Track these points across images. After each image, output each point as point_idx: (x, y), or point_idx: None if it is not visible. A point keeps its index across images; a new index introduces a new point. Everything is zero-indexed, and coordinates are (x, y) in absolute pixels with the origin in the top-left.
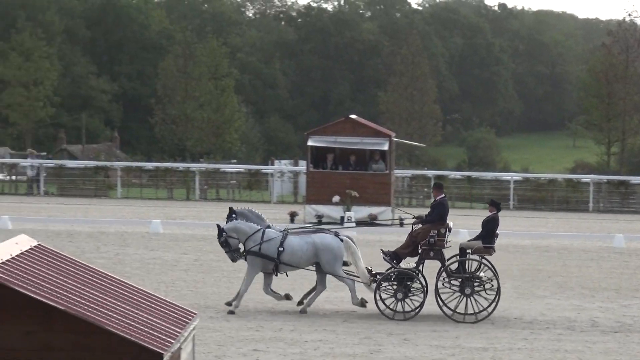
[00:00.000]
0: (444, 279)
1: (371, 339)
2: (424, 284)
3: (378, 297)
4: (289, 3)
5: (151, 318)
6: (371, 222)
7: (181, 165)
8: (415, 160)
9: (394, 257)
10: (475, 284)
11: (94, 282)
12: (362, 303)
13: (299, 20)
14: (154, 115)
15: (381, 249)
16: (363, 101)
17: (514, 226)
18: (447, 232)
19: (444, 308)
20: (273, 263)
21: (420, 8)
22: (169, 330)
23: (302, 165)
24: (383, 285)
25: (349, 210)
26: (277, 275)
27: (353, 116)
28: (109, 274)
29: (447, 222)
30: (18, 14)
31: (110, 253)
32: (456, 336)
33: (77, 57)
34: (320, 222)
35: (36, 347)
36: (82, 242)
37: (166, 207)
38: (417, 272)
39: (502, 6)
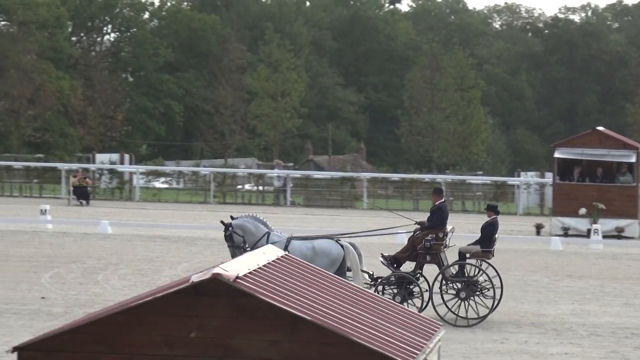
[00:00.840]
0: (440, 283)
1: (618, 353)
2: (423, 287)
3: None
4: (535, 14)
5: (396, 329)
6: (372, 230)
7: (427, 177)
8: None
9: (394, 261)
10: (472, 288)
11: (338, 292)
12: None
13: (546, 31)
14: (400, 126)
15: (381, 253)
16: (610, 113)
17: None
18: (446, 236)
19: (441, 311)
20: None
21: None
22: (414, 342)
23: (549, 177)
24: (382, 289)
25: (595, 222)
26: None
27: (600, 128)
28: (353, 284)
29: (446, 226)
30: (266, 26)
31: None
32: None
33: (324, 68)
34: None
35: (282, 356)
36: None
37: (412, 218)
38: (416, 275)
39: None
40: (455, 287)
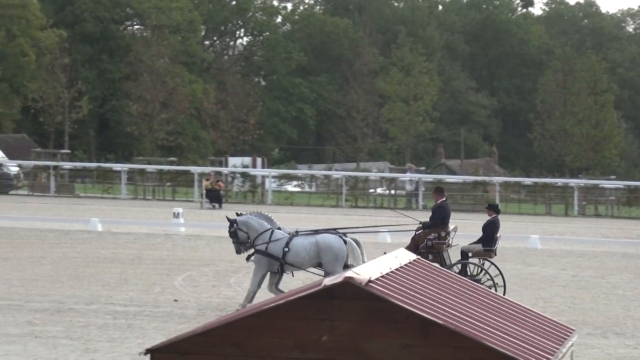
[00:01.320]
0: None
1: None
2: None
3: None
4: None
5: (528, 333)
6: (375, 227)
7: (560, 181)
8: None
9: None
10: None
11: (470, 296)
12: None
13: None
14: (533, 130)
15: (384, 252)
16: None
17: None
18: (448, 235)
19: None
20: (278, 263)
21: None
22: (547, 346)
23: None
24: None
25: None
26: (281, 275)
27: None
28: (485, 289)
29: (448, 225)
30: (399, 30)
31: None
32: None
33: (456, 72)
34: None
35: None
36: (459, 256)
37: (544, 222)
38: None
39: None
40: None
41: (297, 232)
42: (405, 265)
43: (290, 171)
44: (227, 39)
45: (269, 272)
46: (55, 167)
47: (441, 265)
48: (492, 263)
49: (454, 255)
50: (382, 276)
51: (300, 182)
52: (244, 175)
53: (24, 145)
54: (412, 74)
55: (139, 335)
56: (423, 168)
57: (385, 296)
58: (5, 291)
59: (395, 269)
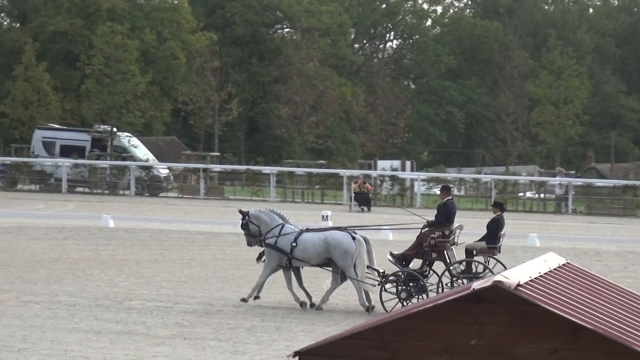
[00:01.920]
0: (451, 280)
1: None
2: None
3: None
4: None
5: None
6: (382, 225)
7: None
8: None
9: (403, 259)
10: None
11: (621, 301)
12: (368, 308)
13: None
14: None
15: (390, 252)
16: None
17: None
18: (452, 233)
19: None
20: (287, 257)
21: None
22: None
23: None
24: (387, 286)
25: None
26: (290, 268)
27: None
28: (637, 294)
29: (453, 223)
30: (549, 33)
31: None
32: None
33: (606, 75)
34: None
35: None
36: (609, 260)
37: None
38: (424, 273)
39: None
40: (461, 283)
41: (307, 228)
42: (554, 269)
43: (439, 174)
44: (377, 42)
45: (282, 270)
46: (204, 170)
47: (445, 264)
48: (498, 261)
49: (460, 254)
50: (531, 280)
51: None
52: (393, 178)
53: (174, 148)
54: (562, 77)
55: (287, 337)
56: (573, 172)
57: (534, 300)
58: (155, 293)
59: (545, 273)
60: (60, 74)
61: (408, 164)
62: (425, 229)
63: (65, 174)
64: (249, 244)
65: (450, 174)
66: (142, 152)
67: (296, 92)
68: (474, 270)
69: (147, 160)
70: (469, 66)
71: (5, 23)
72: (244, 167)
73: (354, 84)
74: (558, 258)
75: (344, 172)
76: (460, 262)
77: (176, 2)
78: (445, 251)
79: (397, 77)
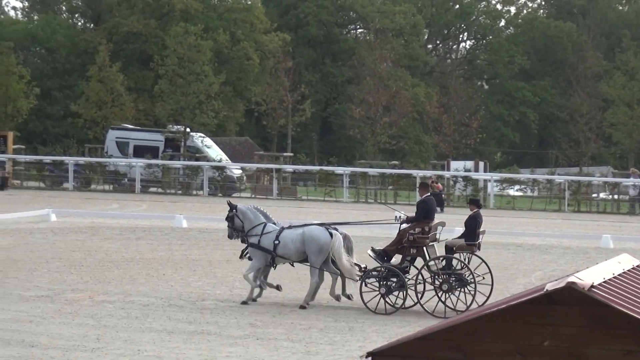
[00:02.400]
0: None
1: None
2: (405, 280)
3: (363, 291)
4: None
5: None
6: (367, 222)
7: None
8: None
9: (384, 254)
10: (454, 281)
11: None
12: (337, 297)
13: None
14: None
15: (372, 247)
16: None
17: None
18: (431, 230)
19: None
20: (270, 255)
21: None
22: None
23: None
24: (368, 281)
25: None
26: (274, 267)
27: None
28: None
29: (433, 220)
30: (623, 33)
31: None
32: None
33: None
34: None
35: None
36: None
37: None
38: (404, 268)
39: None
40: (439, 279)
41: (290, 225)
42: (628, 270)
43: (512, 175)
44: (450, 43)
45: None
46: (277, 170)
47: (423, 260)
48: (479, 257)
49: (441, 251)
50: (604, 281)
51: (522, 186)
52: (466, 179)
53: (247, 148)
54: (636, 77)
55: (360, 338)
56: None
57: (607, 302)
58: (228, 293)
59: (618, 275)
60: (134, 75)
61: (481, 164)
62: (405, 225)
63: (139, 174)
64: (230, 236)
65: (524, 175)
66: (215, 152)
67: (369, 92)
68: (453, 267)
69: (220, 161)
70: (543, 67)
71: (79, 24)
72: (317, 168)
73: (427, 85)
74: (632, 259)
75: (417, 173)
76: (438, 259)
77: (249, 2)
78: (424, 247)
79: (470, 78)
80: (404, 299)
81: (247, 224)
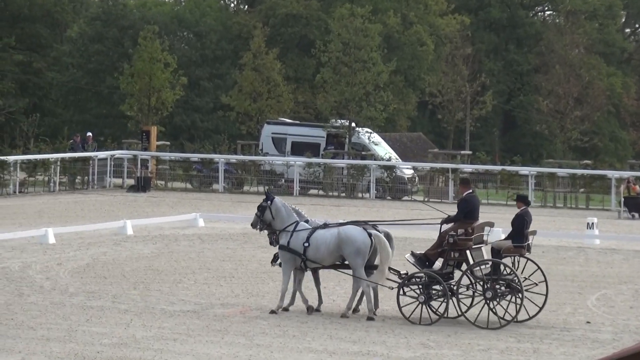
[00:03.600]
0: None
1: None
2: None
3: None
4: None
5: None
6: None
7: None
8: None
9: (425, 259)
10: (499, 288)
11: None
12: (370, 316)
13: None
14: None
15: (411, 251)
16: None
17: None
18: (474, 231)
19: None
20: (300, 259)
21: None
22: None
23: None
24: (407, 289)
25: None
26: (306, 270)
27: None
28: None
29: (477, 219)
30: None
31: None
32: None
33: None
34: None
35: None
36: None
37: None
38: (446, 275)
39: None
40: (484, 287)
41: (325, 224)
42: None
43: None
44: None
45: (294, 271)
46: (454, 170)
47: (467, 264)
48: (530, 259)
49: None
50: None
51: None
52: None
53: (420, 145)
54: None
55: None
56: None
57: None
58: (396, 309)
59: None
60: (293, 62)
61: None
62: (448, 226)
63: (298, 174)
64: (254, 225)
65: None
66: (383, 150)
67: (558, 82)
68: (502, 272)
69: (389, 159)
70: None
71: (232, 5)
72: (498, 168)
73: (625, 74)
74: None
75: (612, 174)
76: (480, 263)
77: None
78: (468, 251)
79: None
80: (446, 308)
81: (279, 222)
